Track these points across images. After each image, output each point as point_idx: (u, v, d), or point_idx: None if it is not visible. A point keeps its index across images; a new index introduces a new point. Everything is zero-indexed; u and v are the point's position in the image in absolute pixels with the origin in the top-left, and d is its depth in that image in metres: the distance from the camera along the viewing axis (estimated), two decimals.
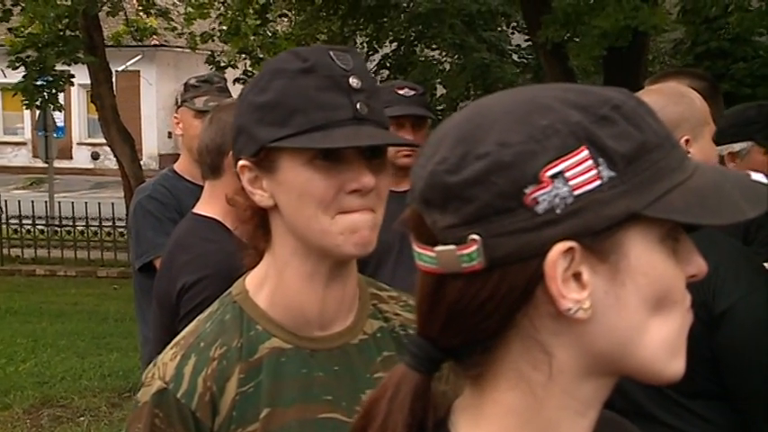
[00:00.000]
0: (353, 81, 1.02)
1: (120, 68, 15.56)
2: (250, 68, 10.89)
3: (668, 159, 0.61)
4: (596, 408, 0.64)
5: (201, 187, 2.27)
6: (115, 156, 11.23)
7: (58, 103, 11.21)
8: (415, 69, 11.74)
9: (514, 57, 13.19)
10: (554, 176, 0.58)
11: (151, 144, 21.37)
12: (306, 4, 11.03)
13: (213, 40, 11.73)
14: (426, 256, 0.62)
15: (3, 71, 10.49)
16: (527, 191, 0.58)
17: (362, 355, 1.11)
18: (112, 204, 10.78)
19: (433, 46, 12.67)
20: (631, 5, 6.47)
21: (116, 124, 10.74)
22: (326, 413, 1.07)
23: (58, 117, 15.86)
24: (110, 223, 10.74)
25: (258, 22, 11.27)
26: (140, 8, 11.92)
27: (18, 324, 8.01)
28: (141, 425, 1.04)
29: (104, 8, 10.65)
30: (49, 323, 8.03)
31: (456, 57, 12.30)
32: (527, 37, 11.66)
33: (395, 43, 12.65)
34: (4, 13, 9.96)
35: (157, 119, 21.74)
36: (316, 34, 11.38)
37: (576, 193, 0.58)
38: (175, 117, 2.89)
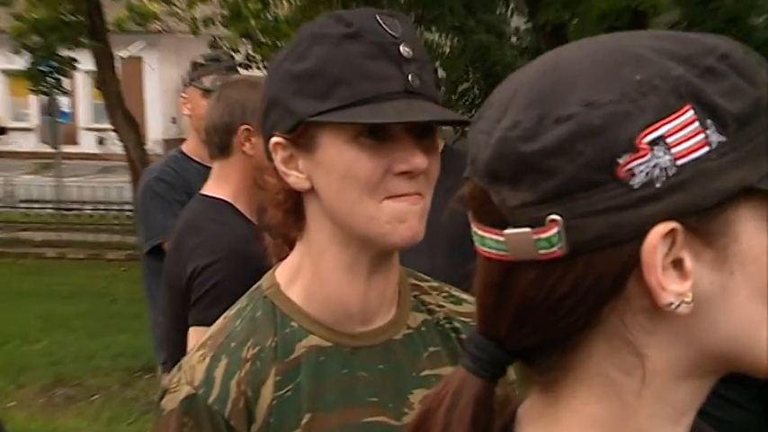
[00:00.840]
0: (404, 49, 0.91)
1: (123, 55, 15.61)
2: (252, 53, 10.95)
3: None
4: (692, 414, 0.55)
5: (210, 168, 2.18)
6: (121, 140, 11.20)
7: (64, 88, 11.30)
8: None
9: (513, 39, 12.96)
10: (653, 142, 0.48)
11: (155, 129, 21.32)
12: None
13: (215, 25, 11.61)
14: (492, 241, 0.53)
15: (8, 57, 10.56)
16: (621, 161, 0.48)
17: (407, 351, 1.02)
18: (119, 189, 10.92)
19: (433, 29, 12.23)
20: None
21: (121, 110, 10.71)
22: (372, 416, 0.98)
23: (64, 103, 15.91)
24: (117, 207, 10.89)
25: (259, 6, 11.16)
26: None
27: (30, 305, 8.14)
28: None
29: None
30: (60, 304, 8.22)
31: (456, 39, 12.04)
32: (526, 19, 11.56)
33: None
34: None
35: (161, 104, 21.77)
36: (315, 16, 11.18)
37: (680, 162, 0.48)
38: (183, 97, 2.82)
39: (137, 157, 10.80)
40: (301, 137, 0.93)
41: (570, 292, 0.50)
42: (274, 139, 0.95)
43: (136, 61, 20.44)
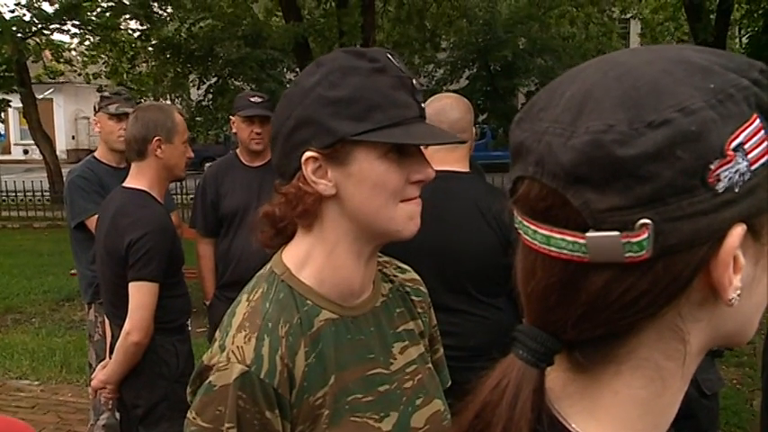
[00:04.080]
0: (415, 82, 0.99)
1: (40, 97, 17.39)
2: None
3: None
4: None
5: (116, 168, 2.63)
6: (40, 151, 13.73)
7: (1, 119, 13.86)
8: (229, 94, 12.96)
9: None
10: (736, 149, 0.46)
11: (62, 143, 26.86)
12: (159, 55, 13.41)
13: (101, 77, 14.24)
14: (565, 242, 0.48)
15: None
16: (712, 166, 0.45)
17: (385, 314, 1.11)
18: (41, 182, 13.26)
19: (240, 79, 14.20)
20: None
21: (40, 131, 13.25)
22: (372, 369, 1.05)
23: (1, 127, 19.42)
24: (39, 193, 13.11)
25: (130, 65, 13.93)
26: (52, 59, 14.36)
27: None
28: (223, 407, 0.94)
29: (30, 58, 13.05)
30: (4, 258, 9.07)
31: (254, 86, 13.48)
32: (295, 74, 13.74)
33: (216, 78, 14.12)
34: None
35: (65, 128, 27.99)
36: (166, 72, 13.67)
37: (753, 168, 0.47)
38: (95, 119, 3.05)
39: (51, 160, 13.46)
40: (338, 152, 0.95)
41: (646, 292, 0.47)
42: (308, 154, 0.96)
43: (49, 101, 24.97)
